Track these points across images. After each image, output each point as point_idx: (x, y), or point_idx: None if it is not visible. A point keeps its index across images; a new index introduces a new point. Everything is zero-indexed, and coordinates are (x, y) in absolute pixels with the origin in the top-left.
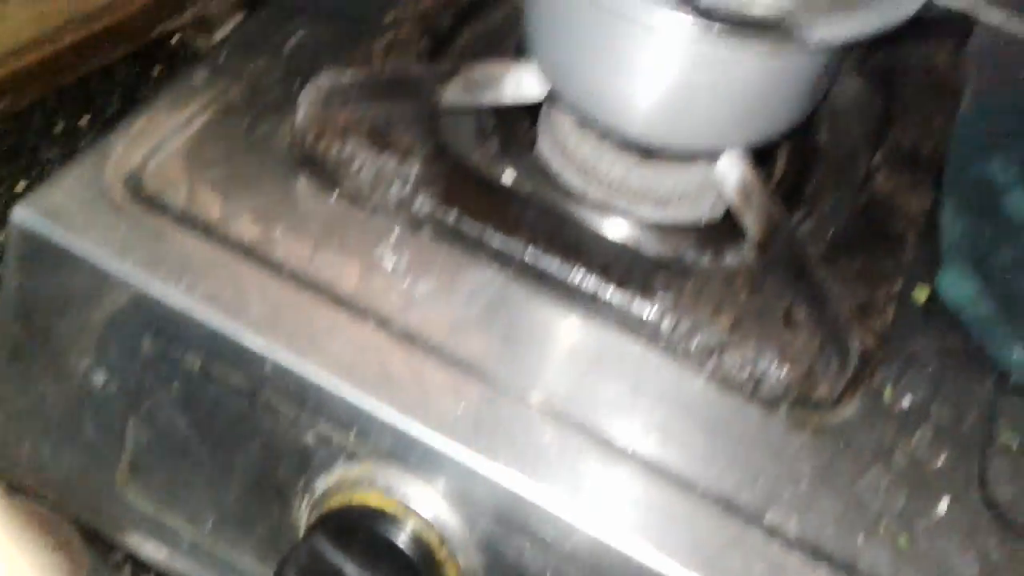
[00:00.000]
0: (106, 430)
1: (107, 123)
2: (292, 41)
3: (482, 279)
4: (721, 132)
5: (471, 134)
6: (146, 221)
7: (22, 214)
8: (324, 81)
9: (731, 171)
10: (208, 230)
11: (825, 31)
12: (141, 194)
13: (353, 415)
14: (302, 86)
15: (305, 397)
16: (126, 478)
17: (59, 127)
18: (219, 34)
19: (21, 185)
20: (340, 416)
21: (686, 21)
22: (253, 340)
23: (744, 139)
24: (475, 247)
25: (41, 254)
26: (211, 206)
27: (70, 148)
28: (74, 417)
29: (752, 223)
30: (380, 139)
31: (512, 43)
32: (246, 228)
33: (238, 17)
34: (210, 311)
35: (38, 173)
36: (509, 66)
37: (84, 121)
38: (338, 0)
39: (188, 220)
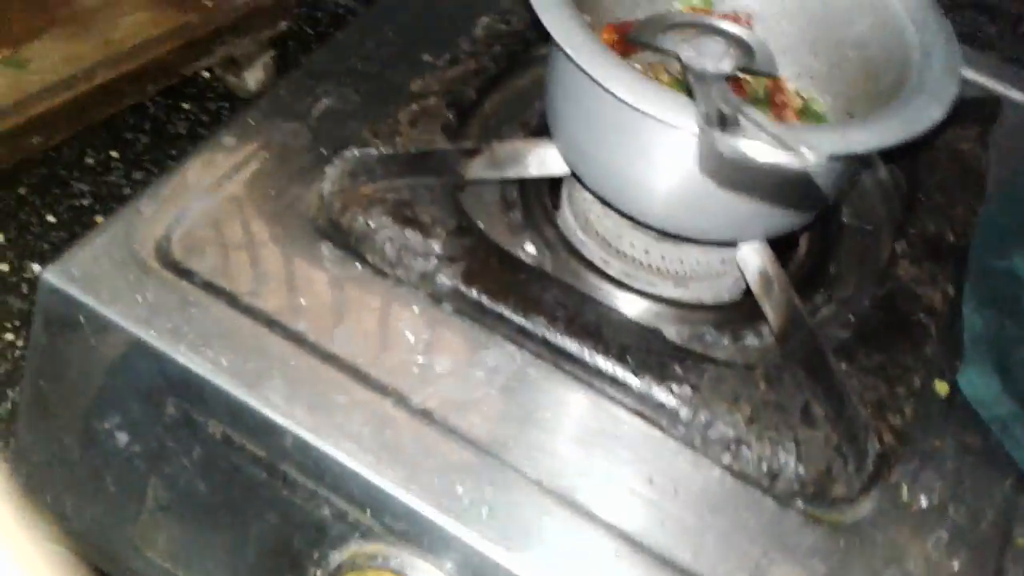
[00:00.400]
0: (127, 487)
1: (136, 158)
2: (320, 106)
3: (501, 357)
4: (739, 226)
5: (495, 202)
6: (174, 287)
7: (52, 276)
8: (351, 155)
9: (752, 259)
10: (233, 299)
11: (842, 147)
12: (169, 259)
13: (368, 493)
14: (330, 154)
15: (323, 472)
16: (144, 534)
17: (90, 160)
18: (248, 74)
19: (52, 215)
20: (356, 493)
21: (707, 131)
22: (274, 413)
23: (762, 233)
24: (495, 324)
25: (69, 316)
26: (237, 274)
27: (100, 181)
28: (97, 473)
29: (772, 313)
30: (405, 213)
31: (535, 111)
32: (270, 298)
33: (266, 57)
34: (233, 382)
35: (68, 206)
36: (533, 144)
37: (114, 154)
38: (366, 63)
39: (214, 288)
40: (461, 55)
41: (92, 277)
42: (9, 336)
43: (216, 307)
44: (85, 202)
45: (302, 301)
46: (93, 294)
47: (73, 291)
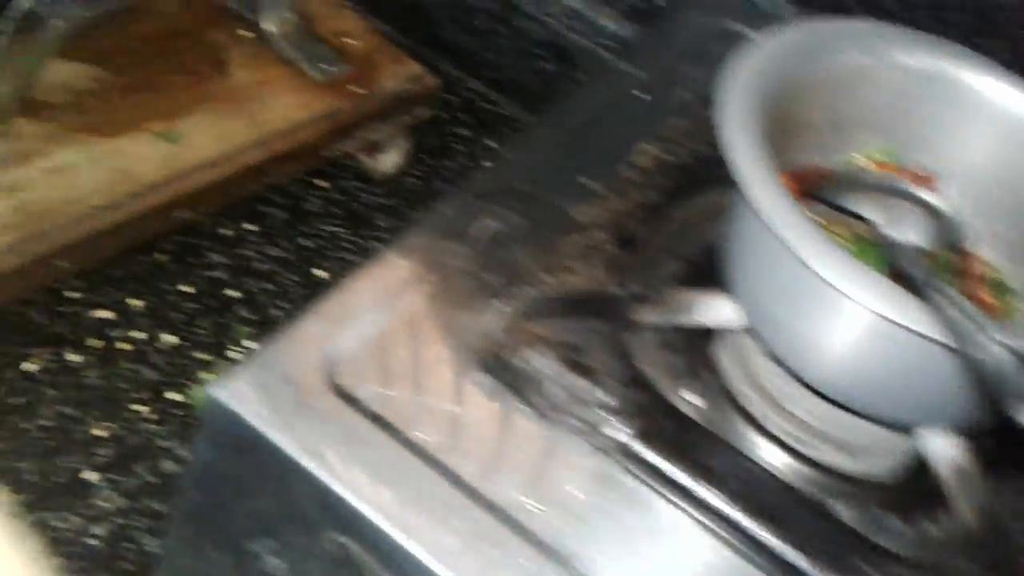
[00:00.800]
0: None
1: (271, 233)
2: (484, 228)
3: (668, 523)
4: (923, 411)
5: (653, 341)
6: (339, 414)
7: (219, 393)
8: (520, 292)
9: (940, 446)
10: (396, 432)
11: None
12: (335, 384)
13: None
14: (496, 283)
15: None
16: None
17: (225, 231)
18: (385, 157)
19: (188, 286)
20: None
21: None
22: (437, 564)
23: (949, 421)
24: (663, 486)
25: (233, 434)
26: (400, 405)
27: (235, 253)
28: None
29: (968, 513)
30: (575, 359)
31: (695, 246)
32: (434, 433)
33: (403, 141)
34: (400, 529)
35: (202, 277)
36: (707, 296)
37: (249, 227)
38: (526, 184)
39: (380, 420)
40: (625, 185)
41: (257, 397)
42: (139, 408)
43: (380, 439)
44: (219, 274)
45: (463, 440)
46: (257, 415)
47: (238, 409)
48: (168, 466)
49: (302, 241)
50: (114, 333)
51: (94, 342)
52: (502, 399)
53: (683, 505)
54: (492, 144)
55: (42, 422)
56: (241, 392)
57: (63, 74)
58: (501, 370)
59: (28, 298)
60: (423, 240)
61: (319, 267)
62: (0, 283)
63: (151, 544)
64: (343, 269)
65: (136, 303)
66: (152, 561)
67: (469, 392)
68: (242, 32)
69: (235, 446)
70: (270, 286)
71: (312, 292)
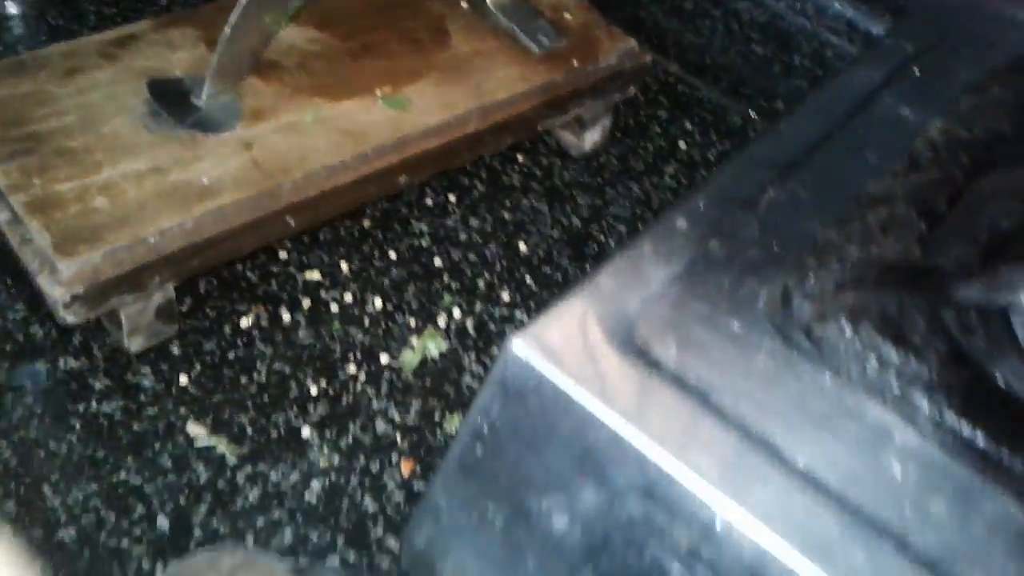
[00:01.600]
0: (550, 571)
1: (472, 204)
2: (767, 197)
3: (1002, 511)
4: None
5: (977, 322)
6: (636, 372)
7: (519, 344)
8: (820, 263)
9: None
10: (698, 393)
11: None
12: (630, 342)
13: None
14: (783, 251)
15: None
16: None
17: (429, 201)
18: (588, 134)
19: (393, 252)
20: None
21: None
22: (755, 535)
23: None
24: (993, 471)
25: (530, 388)
26: (700, 368)
27: (438, 223)
28: (518, 549)
29: None
30: (892, 330)
31: (983, 225)
32: (739, 400)
33: (606, 119)
34: (717, 495)
35: (408, 245)
36: None
37: (452, 199)
38: (806, 157)
39: (682, 383)
40: (922, 160)
41: (554, 351)
42: (352, 368)
43: (682, 399)
44: (423, 243)
45: (771, 409)
46: (556, 369)
47: (538, 363)
48: (382, 427)
49: (503, 214)
50: (325, 295)
51: (306, 302)
52: (805, 368)
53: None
54: (689, 126)
55: (258, 377)
56: (539, 345)
57: (290, 36)
58: (800, 337)
59: (243, 259)
60: (707, 206)
61: (521, 240)
62: (235, 238)
63: (368, 503)
64: (547, 244)
65: (345, 267)
66: (366, 519)
67: (766, 361)
68: (460, 2)
69: (529, 400)
70: (473, 256)
71: (515, 264)
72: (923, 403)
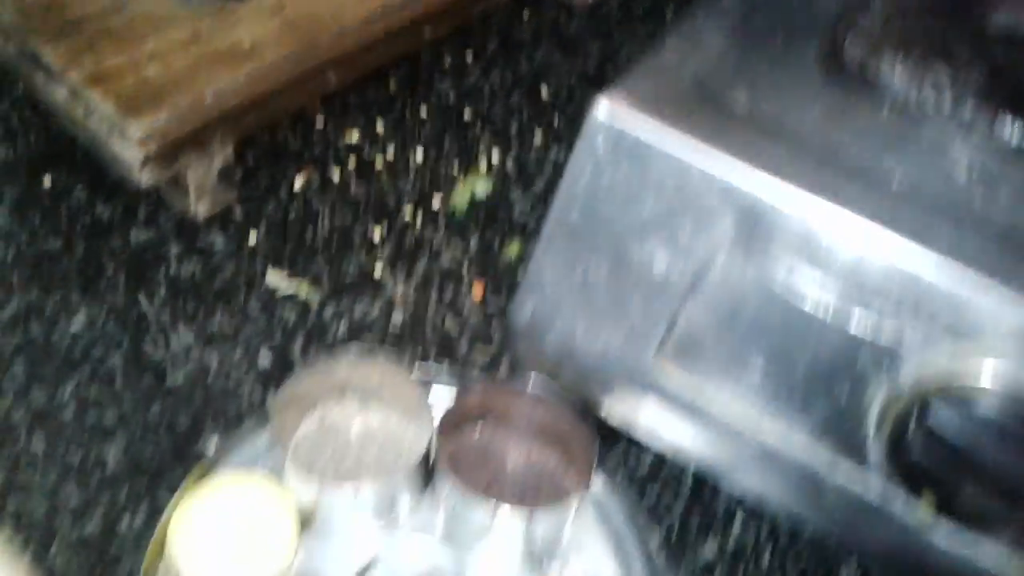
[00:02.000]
0: (652, 313)
1: (489, 59)
2: None
3: None
4: None
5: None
6: (713, 121)
7: (607, 100)
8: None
9: None
10: (770, 132)
11: None
12: (701, 95)
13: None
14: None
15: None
16: (665, 356)
17: (447, 62)
18: None
19: (424, 109)
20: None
21: None
22: (848, 241)
23: None
24: None
25: (622, 140)
26: (766, 110)
27: (461, 81)
28: (622, 296)
29: None
30: (939, 53)
31: None
32: (804, 135)
33: None
34: (808, 211)
35: (436, 103)
36: None
37: (469, 57)
38: None
39: (752, 120)
40: None
41: (638, 110)
42: (407, 214)
43: (762, 139)
44: (451, 99)
45: (840, 141)
46: (648, 117)
47: (626, 116)
48: (447, 260)
49: (521, 66)
50: (367, 153)
51: (351, 161)
52: (864, 105)
53: None
54: None
55: (321, 230)
56: (625, 101)
57: None
58: (860, 76)
59: (283, 126)
60: None
61: (543, 87)
62: (283, 94)
63: (449, 324)
64: (568, 88)
65: (381, 127)
66: (451, 339)
67: (829, 100)
68: None
69: (620, 150)
70: (499, 106)
71: (540, 109)
72: (976, 113)
